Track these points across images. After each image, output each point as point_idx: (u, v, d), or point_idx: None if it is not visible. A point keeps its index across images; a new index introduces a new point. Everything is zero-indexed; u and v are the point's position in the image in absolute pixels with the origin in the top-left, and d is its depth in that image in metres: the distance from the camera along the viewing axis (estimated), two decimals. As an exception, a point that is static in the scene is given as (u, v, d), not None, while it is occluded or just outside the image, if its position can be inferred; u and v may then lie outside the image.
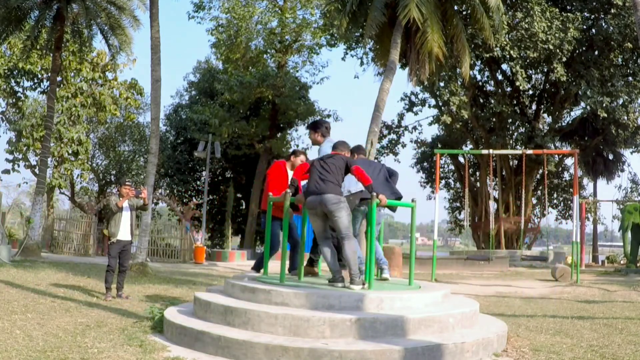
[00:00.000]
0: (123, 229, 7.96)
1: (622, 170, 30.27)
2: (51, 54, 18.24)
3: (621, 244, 19.86)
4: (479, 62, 24.86)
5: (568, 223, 31.13)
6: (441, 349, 4.31)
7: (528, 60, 21.76)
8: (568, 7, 22.35)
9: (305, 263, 6.23)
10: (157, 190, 24.69)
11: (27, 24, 17.43)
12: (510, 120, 25.23)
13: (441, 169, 30.89)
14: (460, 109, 22.77)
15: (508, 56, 21.51)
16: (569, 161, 28.93)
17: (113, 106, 24.24)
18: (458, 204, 32.03)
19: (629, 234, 17.81)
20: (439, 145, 28.68)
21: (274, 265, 6.94)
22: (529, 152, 16.62)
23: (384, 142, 28.57)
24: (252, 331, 4.58)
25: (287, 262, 6.03)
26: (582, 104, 23.25)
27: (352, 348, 4.16)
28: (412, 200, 6.03)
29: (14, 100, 23.27)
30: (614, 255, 25.40)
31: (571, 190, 24.63)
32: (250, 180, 27.74)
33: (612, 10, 21.24)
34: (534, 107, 26.68)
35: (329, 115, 27.71)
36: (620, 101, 21.77)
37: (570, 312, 7.74)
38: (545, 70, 23.63)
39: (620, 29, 20.77)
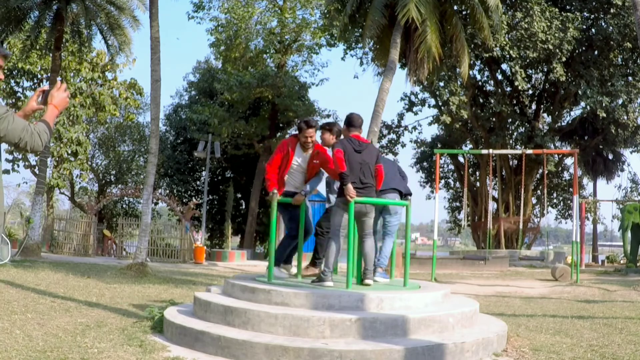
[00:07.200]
0: None
1: (622, 170, 30.31)
2: (51, 54, 18.25)
3: (621, 243, 19.86)
4: (479, 62, 24.87)
5: (568, 223, 31.18)
6: (441, 348, 4.31)
7: (528, 60, 21.76)
8: (567, 7, 22.35)
9: (306, 263, 6.19)
10: (157, 190, 24.69)
11: (27, 24, 17.42)
12: (510, 120, 25.24)
13: (441, 169, 30.89)
14: (460, 108, 22.78)
15: (508, 56, 21.52)
16: (568, 161, 28.96)
17: (112, 106, 24.24)
18: (458, 204, 32.05)
19: (628, 234, 17.81)
20: (439, 145, 28.69)
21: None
22: (529, 152, 16.62)
23: (384, 142, 28.58)
24: (252, 331, 4.59)
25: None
26: (582, 104, 23.27)
27: (352, 348, 4.16)
28: (406, 197, 6.04)
29: (13, 100, 23.27)
30: (613, 255, 25.40)
31: (571, 190, 24.63)
32: (250, 180, 27.73)
33: (612, 10, 21.25)
34: (533, 107, 26.69)
35: (328, 115, 27.73)
36: (620, 101, 21.79)
37: (570, 312, 7.74)
38: (545, 70, 23.64)
39: (620, 29, 20.78)
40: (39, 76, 23.06)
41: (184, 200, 27.19)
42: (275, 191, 5.68)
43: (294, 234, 5.90)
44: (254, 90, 24.59)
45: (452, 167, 31.07)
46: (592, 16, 22.55)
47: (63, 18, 16.83)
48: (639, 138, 24.65)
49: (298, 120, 6.01)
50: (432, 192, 30.02)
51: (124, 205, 29.86)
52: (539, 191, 28.43)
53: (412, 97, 26.92)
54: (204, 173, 27.92)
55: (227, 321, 4.81)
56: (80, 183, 28.41)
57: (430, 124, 28.58)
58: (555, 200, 30.48)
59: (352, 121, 5.65)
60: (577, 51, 22.29)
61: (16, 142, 2.93)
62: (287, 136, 6.37)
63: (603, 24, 22.02)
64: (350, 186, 5.17)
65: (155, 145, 13.11)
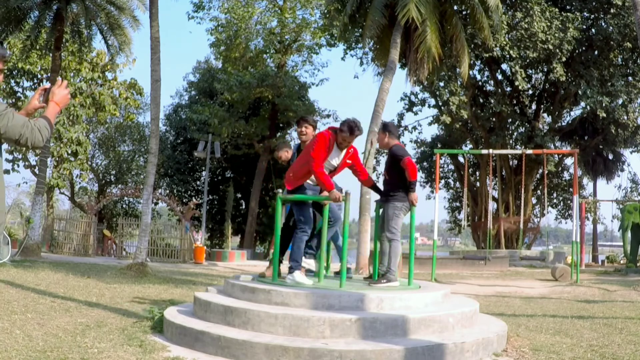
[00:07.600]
0: None
1: (622, 170, 30.30)
2: (51, 54, 18.25)
3: (621, 243, 19.85)
4: (479, 62, 24.86)
5: (568, 223, 31.15)
6: (441, 348, 4.31)
7: (528, 60, 21.76)
8: (567, 7, 22.35)
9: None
10: (157, 190, 24.68)
11: (27, 24, 17.43)
12: (510, 120, 25.23)
13: (441, 169, 30.88)
14: (460, 108, 22.77)
15: (508, 56, 21.51)
16: (568, 161, 28.96)
17: (112, 106, 24.25)
18: (458, 204, 32.04)
19: (628, 234, 17.79)
20: (439, 145, 28.68)
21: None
22: (529, 152, 16.60)
23: (384, 142, 28.51)
24: (252, 331, 4.59)
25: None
26: (582, 104, 23.26)
27: (352, 348, 4.16)
28: None
29: (13, 100, 23.27)
30: (613, 255, 25.39)
31: (571, 190, 24.63)
32: (250, 180, 27.75)
33: (612, 10, 21.24)
34: (533, 107, 26.69)
35: (328, 115, 27.76)
36: (620, 101, 21.77)
37: (570, 312, 7.74)
38: (545, 70, 23.64)
39: (620, 29, 20.77)
40: (39, 76, 23.07)
41: (184, 200, 27.21)
42: (346, 191, 5.45)
43: (311, 230, 5.69)
44: (254, 90, 24.60)
45: (452, 167, 31.06)
46: (592, 16, 22.54)
47: (63, 18, 16.83)
48: (639, 138, 24.64)
49: (346, 121, 5.57)
50: (432, 192, 30.02)
51: (124, 205, 29.86)
52: (539, 191, 28.42)
53: (412, 97, 26.91)
54: (204, 173, 27.93)
55: (227, 321, 4.81)
56: (80, 183, 28.44)
57: (430, 124, 28.59)
58: (555, 200, 30.47)
59: (392, 129, 5.93)
60: (577, 51, 22.29)
61: (17, 139, 2.94)
62: (324, 129, 6.03)
63: (603, 24, 22.01)
64: (416, 194, 5.68)
65: (155, 145, 13.11)
